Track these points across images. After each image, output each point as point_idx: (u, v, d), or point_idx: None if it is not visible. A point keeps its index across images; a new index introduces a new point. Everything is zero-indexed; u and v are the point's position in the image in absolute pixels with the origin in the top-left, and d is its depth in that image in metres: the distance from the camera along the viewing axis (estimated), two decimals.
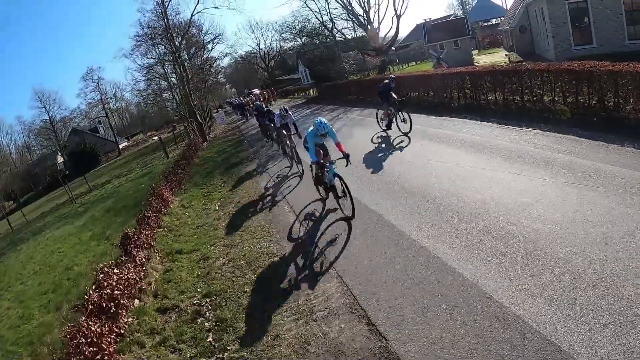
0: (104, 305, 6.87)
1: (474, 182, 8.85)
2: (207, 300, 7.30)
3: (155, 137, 56.87)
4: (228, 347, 5.86)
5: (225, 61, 65.06)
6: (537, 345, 4.34)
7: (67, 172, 54.72)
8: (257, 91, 57.56)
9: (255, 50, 75.08)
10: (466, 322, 4.95)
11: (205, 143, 33.90)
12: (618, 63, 11.99)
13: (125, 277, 7.84)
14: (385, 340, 5.14)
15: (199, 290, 7.80)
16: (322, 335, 5.53)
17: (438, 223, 7.48)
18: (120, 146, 66.35)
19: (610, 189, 7.03)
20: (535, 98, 14.76)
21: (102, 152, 61.41)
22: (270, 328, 5.98)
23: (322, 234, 8.82)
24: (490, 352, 4.45)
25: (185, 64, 39.06)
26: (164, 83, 42.35)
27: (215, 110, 62.39)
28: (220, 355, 5.76)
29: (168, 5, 38.14)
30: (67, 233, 18.26)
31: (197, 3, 54.46)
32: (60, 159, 61.47)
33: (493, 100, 16.13)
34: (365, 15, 51.39)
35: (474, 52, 46.60)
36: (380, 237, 7.72)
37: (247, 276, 7.76)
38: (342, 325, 5.63)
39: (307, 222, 9.79)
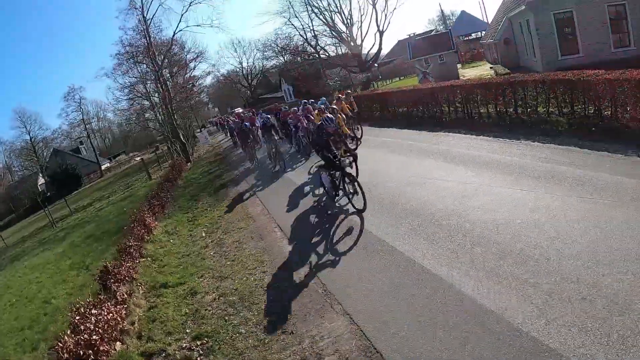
0: (81, 353, 6.09)
1: (480, 200, 8.27)
2: (198, 343, 6.50)
3: (138, 158, 55.86)
4: None
5: (208, 80, 64.51)
6: None
7: (49, 193, 53.38)
8: (239, 110, 57.06)
9: (237, 69, 74.69)
10: None
11: (188, 164, 33.15)
12: (614, 71, 11.71)
13: (105, 317, 7.03)
14: None
15: (187, 331, 6.99)
16: None
17: (450, 247, 6.83)
18: (103, 167, 65.11)
19: (624, 201, 6.56)
20: (529, 110, 14.39)
21: (84, 173, 60.04)
22: None
23: (321, 260, 8.17)
24: None
25: (168, 83, 38.43)
26: (146, 102, 41.57)
27: (199, 130, 61.62)
28: None
29: (150, 23, 37.76)
30: (46, 261, 17.35)
31: (180, 21, 54.20)
32: (41, 180, 60.09)
33: (485, 113, 15.78)
34: (348, 31, 51.49)
35: (458, 66, 46.68)
36: (387, 264, 7.03)
37: (241, 314, 6.97)
38: None
39: (302, 247, 9.11)
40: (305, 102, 20.99)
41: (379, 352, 5.12)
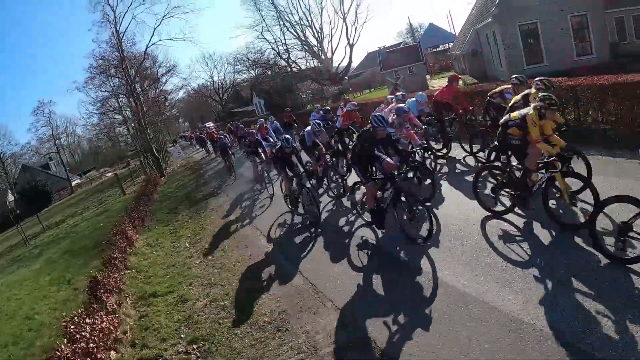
0: None
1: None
2: (194, 346, 6.64)
3: (110, 174, 55.16)
4: None
5: (180, 94, 64.42)
6: None
7: (18, 211, 52.11)
8: (210, 124, 56.93)
9: (208, 83, 74.62)
10: None
11: (163, 178, 32.94)
12: (575, 78, 12.37)
13: (99, 326, 7.14)
14: None
15: (182, 336, 7.12)
16: None
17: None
18: (73, 183, 63.64)
19: None
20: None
21: (54, 189, 58.55)
22: None
23: (304, 257, 8.62)
24: None
25: (140, 97, 38.27)
26: (118, 117, 41.29)
27: (171, 145, 61.19)
28: None
29: (123, 37, 37.70)
30: (23, 278, 17.04)
31: (152, 35, 54.11)
32: (10, 197, 58.62)
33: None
34: (318, 45, 52.18)
35: (427, 77, 47.69)
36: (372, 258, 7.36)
37: (234, 317, 7.15)
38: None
39: (286, 251, 9.47)
40: (269, 120, 21.49)
41: (375, 340, 5.42)
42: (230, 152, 21.10)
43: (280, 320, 6.63)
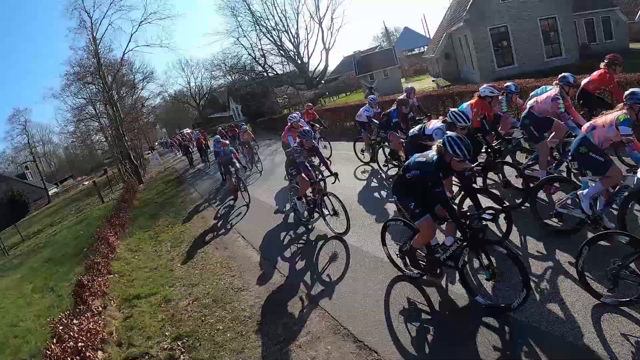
0: (69, 359, 6.50)
1: None
2: (179, 343, 7.00)
3: (87, 182, 54.78)
4: None
5: (157, 101, 64.36)
6: None
7: None
8: (188, 131, 56.93)
9: (185, 89, 74.63)
10: None
11: (141, 185, 33.01)
12: (540, 79, 13.04)
13: (86, 327, 7.44)
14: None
15: (167, 334, 7.45)
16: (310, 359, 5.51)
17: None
18: (50, 192, 62.95)
19: None
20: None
21: (31, 199, 57.93)
22: None
23: (284, 258, 9.02)
24: None
25: (118, 104, 38.22)
26: (95, 124, 41.16)
27: (148, 152, 60.98)
28: None
29: (100, 43, 37.76)
30: (5, 287, 17.08)
31: (129, 41, 54.00)
32: None
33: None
34: (295, 50, 52.63)
35: (402, 80, 48.43)
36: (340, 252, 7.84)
37: (216, 314, 7.55)
38: (329, 347, 5.65)
39: (264, 249, 9.96)
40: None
41: (347, 329, 5.92)
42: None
43: (260, 314, 7.05)
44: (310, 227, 10.17)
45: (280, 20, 53.36)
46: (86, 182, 58.16)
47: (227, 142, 15.44)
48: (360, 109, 13.90)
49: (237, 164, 15.02)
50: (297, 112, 17.61)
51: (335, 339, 5.78)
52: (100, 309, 8.85)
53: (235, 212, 14.24)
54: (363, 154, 14.26)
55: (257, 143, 17.61)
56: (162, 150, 66.86)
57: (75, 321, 7.42)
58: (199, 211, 16.55)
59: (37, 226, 35.35)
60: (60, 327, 7.13)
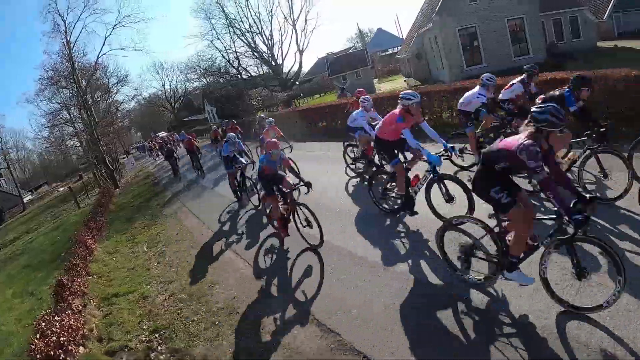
0: (52, 353, 6.89)
1: None
2: (156, 335, 7.46)
3: (62, 188, 54.33)
4: None
5: (132, 104, 64.07)
6: None
7: None
8: (163, 134, 56.93)
9: (160, 92, 74.35)
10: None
11: (117, 190, 33.07)
12: (505, 77, 13.76)
13: (68, 323, 7.84)
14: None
15: (145, 327, 7.91)
16: (278, 343, 6.03)
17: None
18: (25, 200, 62.04)
19: None
20: (435, 116, 16.25)
21: (5, 207, 57.02)
22: (227, 347, 6.36)
23: (252, 249, 9.69)
24: None
25: (92, 108, 38.14)
26: (70, 129, 40.98)
27: (123, 156, 60.71)
28: None
29: (74, 47, 37.62)
30: None
31: (103, 44, 53.82)
32: None
33: None
34: (269, 52, 52.95)
35: (375, 80, 49.12)
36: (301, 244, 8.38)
37: (191, 307, 8.02)
38: (296, 332, 6.18)
39: (238, 245, 10.53)
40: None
41: (312, 314, 6.46)
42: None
43: (232, 305, 7.55)
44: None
45: (254, 22, 53.77)
46: (61, 189, 57.62)
47: (276, 142, 8.87)
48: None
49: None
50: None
51: (303, 324, 6.33)
52: (81, 307, 9.24)
53: (210, 211, 14.64)
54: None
55: (290, 144, 14.41)
56: (137, 154, 66.62)
57: (57, 318, 7.81)
58: (175, 213, 16.94)
59: (12, 234, 35.05)
60: (43, 324, 7.51)
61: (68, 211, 32.58)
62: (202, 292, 8.49)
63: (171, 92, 74.19)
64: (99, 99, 42.72)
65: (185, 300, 8.41)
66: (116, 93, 46.98)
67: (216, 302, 7.88)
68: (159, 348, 7.08)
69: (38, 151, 67.33)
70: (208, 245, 11.44)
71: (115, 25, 41.01)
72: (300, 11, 68.74)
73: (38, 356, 6.70)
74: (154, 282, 10.04)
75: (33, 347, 6.83)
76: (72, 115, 40.13)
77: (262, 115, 14.78)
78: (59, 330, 7.40)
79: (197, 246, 11.63)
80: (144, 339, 7.55)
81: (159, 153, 41.56)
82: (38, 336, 7.18)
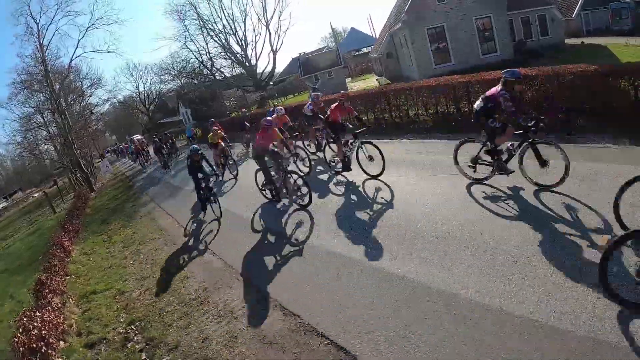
0: (35, 345, 7.34)
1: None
2: (133, 327, 7.97)
3: (36, 194, 53.90)
4: (163, 359, 6.65)
5: (106, 107, 63.71)
6: None
7: None
8: (138, 137, 56.75)
9: (134, 94, 74.05)
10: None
11: (92, 193, 33.13)
12: (468, 74, 14.51)
13: (49, 318, 8.28)
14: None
15: (121, 320, 8.41)
16: (245, 328, 6.58)
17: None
18: None
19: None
20: (401, 114, 16.94)
21: None
22: (198, 334, 6.89)
23: (223, 247, 10.18)
24: None
25: (66, 112, 38.02)
26: (44, 133, 40.78)
27: (98, 160, 60.44)
28: None
29: (47, 50, 37.46)
30: None
31: (77, 47, 53.43)
32: None
33: (366, 120, 17.89)
34: (242, 52, 53.15)
35: (348, 79, 49.75)
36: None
37: (165, 299, 8.56)
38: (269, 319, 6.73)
39: (208, 241, 11.08)
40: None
41: (276, 300, 7.05)
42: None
43: (203, 296, 8.11)
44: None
45: (228, 23, 54.05)
46: (36, 194, 57.12)
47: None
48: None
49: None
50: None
51: (268, 309, 6.91)
52: (60, 305, 9.67)
53: (184, 210, 15.12)
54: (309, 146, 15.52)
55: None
56: (112, 158, 66.34)
57: (38, 313, 8.25)
58: (149, 212, 17.44)
59: None
60: (25, 319, 7.95)
61: (44, 216, 32.59)
62: (175, 286, 9.03)
63: (145, 94, 74.04)
64: (72, 102, 42.51)
65: (159, 294, 8.94)
66: (90, 96, 46.75)
67: (188, 293, 8.42)
68: (135, 338, 7.59)
69: (11, 157, 66.53)
70: (182, 243, 11.96)
71: (88, 27, 40.85)
72: (274, 11, 69.54)
73: (21, 348, 7.16)
74: (130, 278, 10.53)
75: (16, 340, 7.28)
76: (45, 119, 39.96)
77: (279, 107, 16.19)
78: (40, 325, 7.86)
79: (170, 243, 12.16)
80: (121, 330, 8.05)
81: (138, 155, 37.35)
82: (21, 330, 7.62)
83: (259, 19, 56.49)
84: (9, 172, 77.64)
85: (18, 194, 71.85)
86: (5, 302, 13.97)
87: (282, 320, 6.47)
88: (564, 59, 22.62)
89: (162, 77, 64.29)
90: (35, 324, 7.87)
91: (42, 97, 38.89)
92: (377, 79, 42.19)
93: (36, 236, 24.00)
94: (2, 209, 61.17)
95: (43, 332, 7.74)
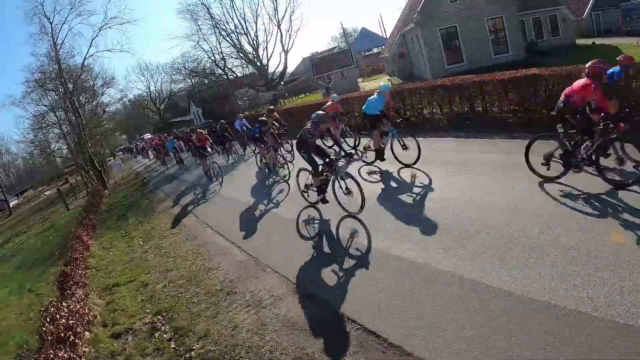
0: (63, 335, 7.38)
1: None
2: (159, 317, 7.98)
3: (48, 192, 54.24)
4: (193, 347, 6.64)
5: (117, 106, 64.01)
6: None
7: None
8: (148, 136, 57.05)
9: (145, 94, 74.37)
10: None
11: (106, 191, 33.29)
12: (482, 74, 14.51)
13: (75, 309, 8.33)
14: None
15: (147, 311, 8.43)
16: (275, 315, 6.59)
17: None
18: (11, 204, 61.80)
19: (486, 170, 9.19)
20: (416, 113, 16.93)
21: None
22: (227, 322, 6.90)
23: (242, 236, 10.40)
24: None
25: (80, 110, 38.24)
26: (57, 131, 41.03)
27: (110, 158, 60.74)
28: (187, 355, 6.51)
29: (60, 49, 37.72)
30: None
31: (90, 46, 53.96)
32: None
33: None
34: (254, 52, 53.29)
35: (359, 79, 49.76)
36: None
37: (191, 290, 8.57)
38: (290, 305, 6.75)
39: (230, 235, 11.09)
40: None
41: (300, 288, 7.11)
42: None
43: (230, 286, 8.12)
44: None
45: (240, 23, 54.35)
46: (47, 192, 57.50)
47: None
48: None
49: None
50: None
51: (294, 298, 6.94)
52: (83, 297, 9.73)
53: (202, 206, 15.22)
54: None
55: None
56: (123, 156, 66.65)
57: (64, 304, 8.31)
58: (167, 208, 17.51)
59: (1, 238, 35.12)
60: (52, 309, 8.00)
61: (57, 214, 32.77)
62: (200, 277, 9.05)
63: (156, 94, 74.36)
64: (85, 101, 42.74)
65: (184, 285, 8.96)
66: (102, 95, 46.97)
67: (214, 284, 8.44)
68: (163, 328, 7.60)
69: (23, 155, 67.00)
70: (204, 236, 11.98)
71: (101, 27, 41.11)
72: (285, 12, 69.33)
73: (49, 337, 7.21)
74: (153, 271, 10.55)
75: (44, 329, 7.33)
76: (59, 118, 40.22)
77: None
78: (67, 315, 7.90)
79: (191, 237, 12.17)
80: (147, 321, 8.07)
81: (157, 154, 37.40)
82: (48, 320, 7.67)
83: (270, 19, 56.87)
84: (20, 170, 78.18)
85: (29, 191, 72.38)
86: (24, 296, 14.05)
87: (308, 310, 6.52)
88: (576, 59, 22.53)
89: (173, 76, 64.53)
90: (62, 313, 7.94)
91: (55, 96, 39.19)
92: (388, 79, 42.15)
93: (51, 232, 24.15)
94: (14, 205, 61.61)
95: (71, 321, 7.79)
